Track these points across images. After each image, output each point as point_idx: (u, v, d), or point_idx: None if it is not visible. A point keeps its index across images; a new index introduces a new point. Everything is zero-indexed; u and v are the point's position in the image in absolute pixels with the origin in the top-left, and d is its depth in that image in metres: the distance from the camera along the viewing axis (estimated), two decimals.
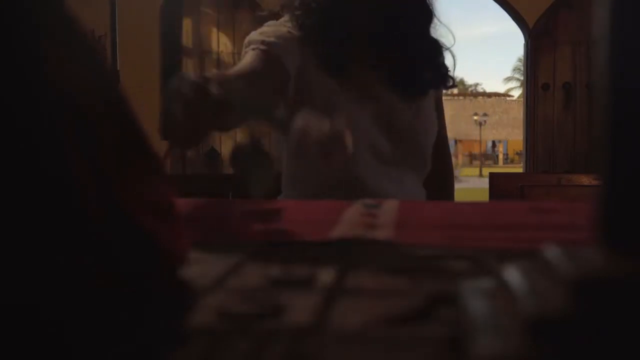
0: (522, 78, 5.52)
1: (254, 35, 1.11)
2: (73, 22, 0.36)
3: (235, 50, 4.11)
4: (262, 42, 1.07)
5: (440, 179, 1.33)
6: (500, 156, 38.51)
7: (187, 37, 4.13)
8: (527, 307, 0.26)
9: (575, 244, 0.30)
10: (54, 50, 0.33)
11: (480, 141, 34.87)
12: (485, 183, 3.25)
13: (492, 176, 3.03)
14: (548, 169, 4.15)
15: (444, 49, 1.22)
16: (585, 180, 2.84)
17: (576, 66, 4.11)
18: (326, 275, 0.44)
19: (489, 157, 38.80)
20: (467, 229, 0.68)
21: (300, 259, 0.50)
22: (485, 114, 34.82)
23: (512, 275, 0.30)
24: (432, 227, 0.70)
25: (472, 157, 38.04)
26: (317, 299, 0.37)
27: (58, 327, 0.29)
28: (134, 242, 0.35)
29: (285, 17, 1.18)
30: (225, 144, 3.73)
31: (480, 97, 41.56)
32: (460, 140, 36.93)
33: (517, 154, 34.70)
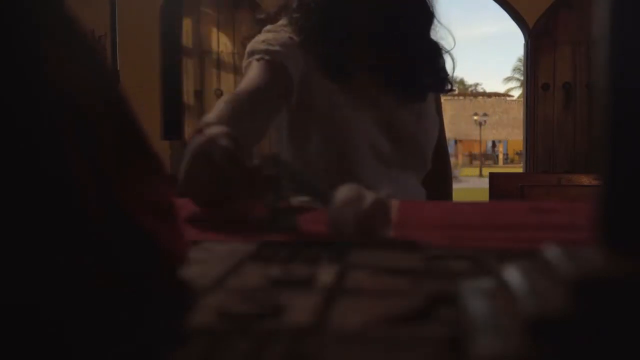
0: (522, 78, 5.52)
1: (257, 43, 1.10)
2: (73, 22, 0.36)
3: (235, 50, 4.11)
4: (266, 52, 1.07)
5: (439, 179, 1.33)
6: (500, 156, 38.53)
7: (187, 37, 4.13)
8: (527, 307, 0.26)
9: (575, 244, 0.30)
10: (54, 50, 0.33)
11: (480, 141, 34.89)
12: (485, 183, 3.25)
13: (492, 176, 3.03)
14: (548, 169, 4.15)
15: (443, 52, 1.22)
16: (585, 180, 2.84)
17: (576, 66, 4.11)
18: (326, 275, 0.44)
19: (489, 157, 38.82)
20: (467, 229, 0.68)
21: (300, 259, 0.50)
22: (485, 114, 34.84)
23: (512, 275, 0.30)
24: (432, 227, 0.70)
25: (472, 157, 38.06)
26: (317, 299, 0.37)
27: (58, 327, 0.29)
28: (134, 242, 0.35)
29: (283, 21, 1.17)
30: None
31: (480, 97, 41.58)
32: (460, 140, 36.94)
33: (517, 154, 34.71)
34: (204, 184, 0.66)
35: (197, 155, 0.67)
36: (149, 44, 3.95)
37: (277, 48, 1.08)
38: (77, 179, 0.31)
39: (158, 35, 4.01)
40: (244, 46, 1.18)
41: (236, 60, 4.07)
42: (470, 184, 16.01)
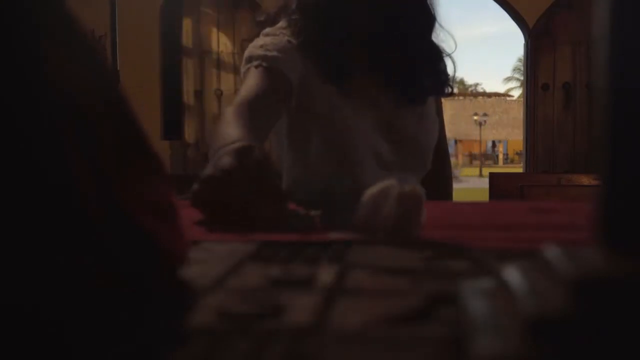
0: (522, 78, 5.52)
1: (255, 49, 1.10)
2: (73, 22, 0.36)
3: (235, 50, 4.11)
4: (264, 58, 1.07)
5: (439, 179, 1.33)
6: (500, 156, 38.54)
7: (187, 37, 4.13)
8: (527, 307, 0.26)
9: (575, 244, 0.30)
10: (54, 50, 0.33)
11: (480, 141, 34.89)
12: (485, 183, 3.26)
13: (492, 176, 3.03)
14: (548, 169, 4.15)
15: (444, 55, 1.21)
16: (585, 180, 2.84)
17: (576, 66, 4.11)
18: (326, 275, 0.44)
19: (489, 157, 38.82)
20: (467, 229, 0.68)
21: (300, 259, 0.50)
22: (485, 114, 34.84)
23: (512, 275, 0.30)
24: (432, 227, 0.70)
25: (472, 157, 38.06)
26: (317, 299, 0.37)
27: (58, 327, 0.29)
28: (134, 242, 0.35)
29: (282, 23, 1.17)
30: None
31: (480, 97, 41.59)
32: (460, 140, 36.95)
33: (517, 154, 34.72)
34: (232, 193, 0.65)
35: (229, 167, 0.67)
36: (149, 44, 3.95)
37: (274, 54, 1.08)
38: (77, 179, 0.31)
39: (158, 35, 4.01)
40: (244, 48, 1.18)
41: (236, 60, 4.07)
42: (470, 184, 16.01)
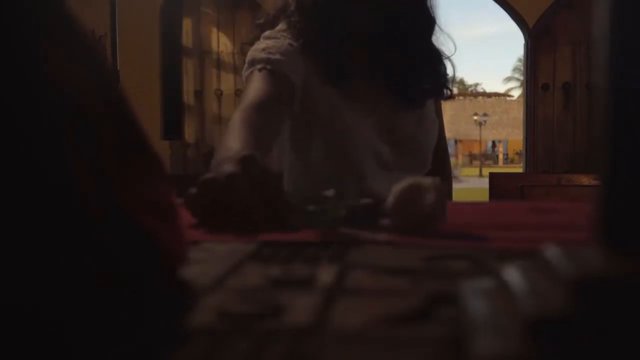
0: (522, 78, 5.52)
1: (257, 52, 1.10)
2: (73, 22, 0.36)
3: (235, 50, 4.11)
4: (267, 61, 1.07)
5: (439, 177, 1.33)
6: (500, 156, 38.54)
7: (187, 37, 4.13)
8: (527, 307, 0.26)
9: (575, 244, 0.30)
10: (54, 50, 0.33)
11: (480, 141, 34.90)
12: (485, 183, 3.25)
13: (492, 176, 3.03)
14: (548, 169, 4.14)
15: (444, 58, 1.21)
16: (585, 180, 2.84)
17: (576, 66, 4.11)
18: (326, 275, 0.44)
19: (489, 157, 38.83)
20: (467, 229, 0.68)
21: (300, 259, 0.50)
22: (485, 114, 34.84)
23: (512, 275, 0.30)
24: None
25: (472, 157, 38.06)
26: (317, 299, 0.37)
27: (58, 327, 0.29)
28: (134, 242, 0.35)
29: (282, 25, 1.17)
30: None
31: (480, 97, 41.60)
32: (460, 140, 36.96)
33: (517, 154, 34.71)
34: (235, 202, 0.65)
35: (234, 174, 0.66)
36: (149, 44, 3.95)
37: (277, 57, 1.08)
38: (77, 179, 0.31)
39: (158, 35, 4.01)
40: (244, 51, 1.17)
41: (236, 60, 4.07)
42: (470, 184, 16.01)
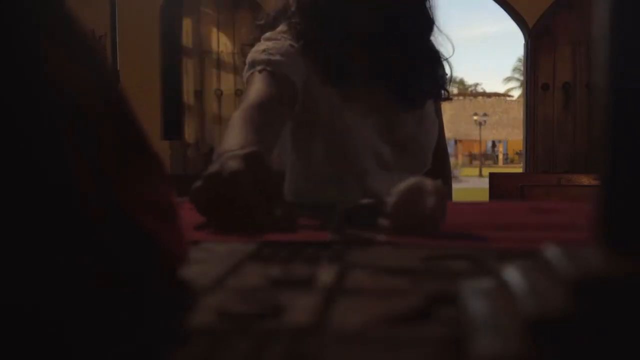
0: (522, 78, 5.52)
1: (257, 54, 1.10)
2: (73, 22, 0.36)
3: (235, 50, 4.11)
4: (268, 62, 1.07)
5: (438, 177, 1.33)
6: (500, 156, 38.53)
7: (187, 37, 4.13)
8: (527, 307, 0.26)
9: (575, 244, 0.30)
10: (54, 50, 0.33)
11: (480, 141, 34.89)
12: (485, 183, 3.25)
13: (492, 176, 3.03)
14: (548, 169, 4.14)
15: (442, 59, 1.22)
16: (585, 180, 2.84)
17: (576, 66, 4.11)
18: (326, 275, 0.44)
19: (488, 157, 38.82)
20: (467, 229, 0.68)
21: (300, 259, 0.50)
22: (485, 114, 34.84)
23: (512, 275, 0.30)
24: None
25: (472, 157, 38.06)
26: (317, 299, 0.37)
27: (58, 327, 0.29)
28: (134, 242, 0.35)
29: (282, 27, 1.17)
30: None
31: (480, 97, 41.61)
32: (460, 140, 36.96)
33: (517, 154, 34.70)
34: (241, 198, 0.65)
35: (238, 170, 0.67)
36: (149, 44, 3.95)
37: (278, 58, 1.08)
38: (77, 179, 0.31)
39: (158, 35, 4.01)
40: (244, 52, 1.17)
41: (236, 60, 4.07)
42: (470, 184, 16.01)
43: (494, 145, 39.97)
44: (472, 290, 0.31)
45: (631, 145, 0.27)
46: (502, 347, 0.24)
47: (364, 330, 0.31)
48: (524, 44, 4.27)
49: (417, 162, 1.22)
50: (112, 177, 0.35)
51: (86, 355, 0.28)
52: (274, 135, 1.04)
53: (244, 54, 1.16)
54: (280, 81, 1.06)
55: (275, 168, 0.71)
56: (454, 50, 1.22)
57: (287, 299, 0.37)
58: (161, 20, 4.01)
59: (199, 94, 4.14)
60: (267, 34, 1.16)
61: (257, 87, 1.05)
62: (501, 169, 29.16)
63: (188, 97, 4.13)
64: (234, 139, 0.89)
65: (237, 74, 3.98)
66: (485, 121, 34.28)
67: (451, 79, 1.25)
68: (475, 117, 35.09)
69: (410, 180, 0.65)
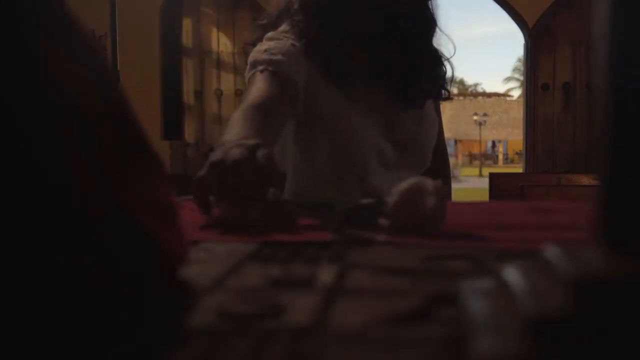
0: (522, 78, 5.52)
1: (259, 53, 1.10)
2: (73, 22, 0.36)
3: (235, 50, 4.11)
4: (270, 62, 1.07)
5: (438, 176, 1.33)
6: (500, 156, 38.51)
7: (187, 37, 4.13)
8: (527, 307, 0.26)
9: (575, 244, 0.30)
10: (54, 50, 0.33)
11: (480, 141, 34.88)
12: (485, 183, 3.25)
13: (492, 176, 3.03)
14: (548, 169, 4.14)
15: (443, 59, 1.22)
16: (585, 180, 2.84)
17: (576, 66, 4.11)
18: (326, 275, 0.44)
19: (488, 157, 38.81)
20: (467, 229, 0.68)
21: (300, 259, 0.50)
22: (485, 114, 34.83)
23: (512, 275, 0.30)
24: None
25: (472, 157, 38.05)
26: (317, 299, 0.37)
27: (58, 327, 0.29)
28: (134, 242, 0.35)
29: (285, 26, 1.17)
30: None
31: (480, 97, 41.60)
32: (460, 140, 36.95)
33: (517, 154, 34.70)
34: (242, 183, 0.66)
35: (241, 158, 0.67)
36: (149, 44, 3.95)
37: (279, 57, 1.08)
38: (77, 179, 0.31)
39: (158, 35, 4.00)
40: (246, 52, 1.17)
41: (236, 60, 4.07)
42: (470, 184, 16.01)
43: (494, 145, 39.97)
44: (472, 290, 0.31)
45: (631, 145, 0.27)
46: (502, 347, 0.24)
47: (364, 330, 0.31)
48: (524, 44, 4.27)
49: (418, 160, 1.23)
50: (112, 177, 0.35)
51: (86, 355, 0.28)
52: (274, 135, 1.04)
53: (246, 54, 1.17)
54: (281, 81, 1.06)
55: (277, 161, 0.71)
56: (455, 50, 1.22)
57: (287, 299, 0.37)
58: (161, 20, 4.01)
59: (199, 94, 4.14)
60: (270, 34, 1.16)
61: (258, 87, 1.05)
62: (501, 169, 29.15)
63: (188, 97, 4.13)
64: (234, 136, 0.89)
65: (237, 74, 3.98)
66: (485, 121, 34.28)
67: (452, 79, 1.25)
68: (475, 117, 35.08)
69: (411, 180, 0.65)
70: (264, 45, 1.12)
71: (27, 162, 0.30)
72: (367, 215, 0.67)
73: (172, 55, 4.03)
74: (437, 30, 1.20)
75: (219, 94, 4.12)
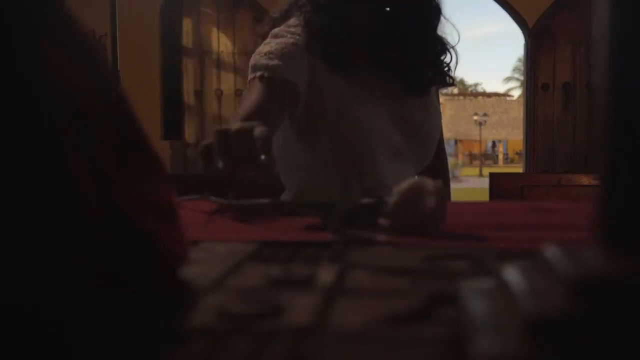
0: (522, 78, 5.51)
1: (259, 56, 1.11)
2: (73, 22, 0.36)
3: (235, 50, 4.11)
4: (266, 67, 1.08)
5: (437, 176, 1.34)
6: (500, 156, 38.50)
7: (187, 37, 4.13)
8: (527, 307, 0.26)
9: (575, 244, 0.30)
10: (54, 50, 0.33)
11: (480, 141, 34.87)
12: (485, 183, 3.25)
13: (492, 176, 3.03)
14: (548, 169, 4.14)
15: (448, 47, 1.23)
16: (585, 180, 2.84)
17: (576, 66, 4.11)
18: (326, 275, 0.44)
19: (489, 157, 38.79)
20: (467, 229, 0.68)
21: (300, 259, 0.50)
22: (485, 114, 34.82)
23: (512, 275, 0.30)
24: None
25: (472, 157, 38.03)
26: (317, 299, 0.37)
27: (58, 327, 0.29)
28: (134, 242, 0.35)
29: (293, 21, 1.18)
30: None
31: (480, 97, 41.59)
32: (460, 140, 36.94)
33: (517, 154, 34.69)
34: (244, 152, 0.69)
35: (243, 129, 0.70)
36: (149, 44, 3.95)
37: (276, 62, 1.08)
38: (77, 179, 0.31)
39: (158, 35, 4.00)
40: (247, 48, 1.19)
41: (236, 60, 4.07)
42: (470, 184, 16.02)
43: (494, 145, 39.97)
44: (472, 290, 0.31)
45: (631, 145, 0.27)
46: (502, 347, 0.24)
47: (364, 330, 0.31)
48: (524, 44, 4.27)
49: (425, 152, 1.25)
50: (112, 177, 0.35)
51: (86, 355, 0.28)
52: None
53: (245, 50, 1.18)
54: (278, 86, 1.07)
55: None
56: (459, 39, 1.24)
57: (287, 299, 0.37)
58: (161, 20, 4.01)
59: (199, 94, 4.14)
60: (275, 30, 1.17)
61: (253, 96, 1.06)
62: (501, 169, 29.14)
63: (188, 97, 4.13)
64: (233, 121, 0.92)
65: (237, 74, 3.98)
66: (485, 121, 34.27)
67: (457, 66, 1.26)
68: (475, 117, 35.08)
69: (411, 180, 0.65)
70: (265, 46, 1.13)
71: (27, 162, 0.30)
72: (367, 215, 0.67)
73: (172, 55, 4.03)
74: (442, 18, 1.22)
75: (219, 94, 4.12)
